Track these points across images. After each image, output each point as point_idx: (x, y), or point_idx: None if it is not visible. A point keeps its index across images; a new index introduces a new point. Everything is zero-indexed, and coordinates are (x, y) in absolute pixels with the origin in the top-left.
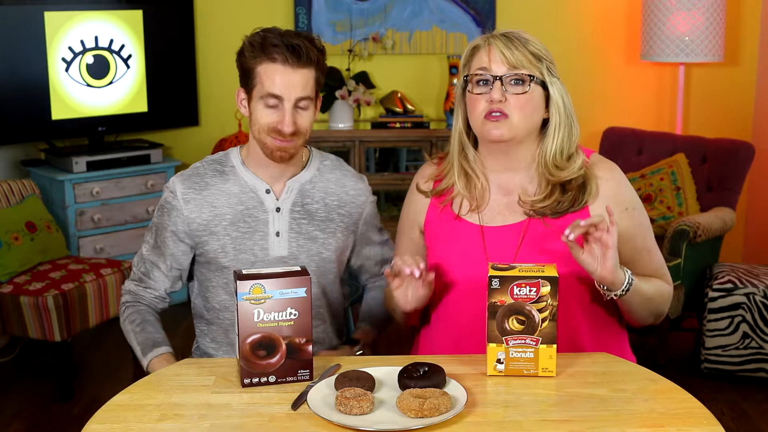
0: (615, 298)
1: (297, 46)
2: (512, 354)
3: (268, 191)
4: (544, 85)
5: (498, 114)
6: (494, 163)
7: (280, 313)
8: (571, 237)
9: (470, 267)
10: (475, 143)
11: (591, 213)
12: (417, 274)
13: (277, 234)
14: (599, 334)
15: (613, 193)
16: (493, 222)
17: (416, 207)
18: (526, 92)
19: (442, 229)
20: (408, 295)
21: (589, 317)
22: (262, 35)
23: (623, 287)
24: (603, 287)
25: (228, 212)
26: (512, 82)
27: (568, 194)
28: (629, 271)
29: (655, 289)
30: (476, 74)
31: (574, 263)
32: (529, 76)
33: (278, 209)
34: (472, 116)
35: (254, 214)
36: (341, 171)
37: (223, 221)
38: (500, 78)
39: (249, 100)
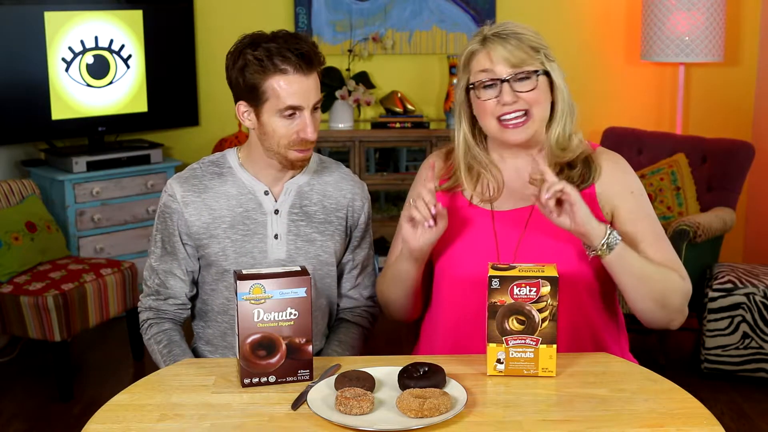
0: (599, 257)
1: (306, 52)
2: (512, 354)
3: (266, 192)
4: (546, 73)
5: (517, 119)
6: (505, 152)
7: (280, 313)
8: (546, 197)
9: (479, 252)
10: (482, 137)
11: (597, 190)
12: (431, 224)
13: (276, 236)
14: (600, 335)
15: (620, 173)
16: (503, 207)
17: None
18: (535, 88)
19: (451, 215)
20: (418, 234)
21: (591, 318)
22: (265, 47)
23: (602, 241)
24: (588, 249)
25: (227, 214)
26: (519, 81)
27: (575, 170)
28: (615, 232)
29: (655, 270)
30: (481, 79)
31: (574, 260)
32: (534, 71)
33: (276, 211)
34: (484, 121)
35: (253, 216)
36: (339, 174)
37: (222, 224)
38: (507, 80)
39: (258, 114)
